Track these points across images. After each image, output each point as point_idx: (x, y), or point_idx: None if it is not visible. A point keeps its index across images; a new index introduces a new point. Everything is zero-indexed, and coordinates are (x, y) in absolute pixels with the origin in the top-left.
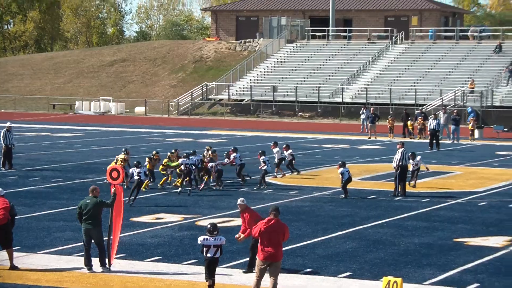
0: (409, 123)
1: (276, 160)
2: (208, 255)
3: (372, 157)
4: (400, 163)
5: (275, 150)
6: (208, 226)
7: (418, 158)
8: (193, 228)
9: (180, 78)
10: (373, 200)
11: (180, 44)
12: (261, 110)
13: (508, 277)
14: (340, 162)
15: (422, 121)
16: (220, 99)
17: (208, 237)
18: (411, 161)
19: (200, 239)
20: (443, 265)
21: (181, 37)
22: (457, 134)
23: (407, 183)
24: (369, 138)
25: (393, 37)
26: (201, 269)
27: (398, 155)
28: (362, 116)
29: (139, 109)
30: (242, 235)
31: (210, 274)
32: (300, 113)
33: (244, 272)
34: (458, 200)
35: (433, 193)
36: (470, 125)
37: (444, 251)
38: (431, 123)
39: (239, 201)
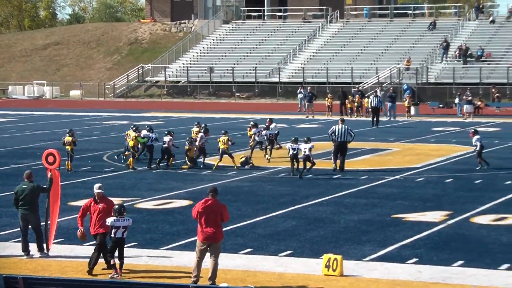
0: (347, 102)
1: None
2: (117, 236)
3: (311, 135)
4: (334, 137)
5: (272, 126)
6: (116, 207)
7: (477, 136)
8: (132, 211)
9: (115, 61)
10: (313, 179)
11: (115, 27)
12: (198, 92)
13: (445, 251)
14: (293, 138)
15: (359, 99)
16: (157, 81)
17: (117, 218)
18: (475, 138)
19: (110, 220)
20: (382, 241)
21: (115, 19)
22: (393, 111)
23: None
24: (307, 117)
25: (328, 16)
26: (141, 251)
27: (331, 128)
28: (300, 96)
29: (74, 93)
30: (83, 229)
31: (120, 255)
32: (237, 94)
33: (103, 269)
34: (396, 177)
35: (371, 170)
36: (406, 102)
37: (383, 227)
38: (373, 101)
39: (97, 189)
